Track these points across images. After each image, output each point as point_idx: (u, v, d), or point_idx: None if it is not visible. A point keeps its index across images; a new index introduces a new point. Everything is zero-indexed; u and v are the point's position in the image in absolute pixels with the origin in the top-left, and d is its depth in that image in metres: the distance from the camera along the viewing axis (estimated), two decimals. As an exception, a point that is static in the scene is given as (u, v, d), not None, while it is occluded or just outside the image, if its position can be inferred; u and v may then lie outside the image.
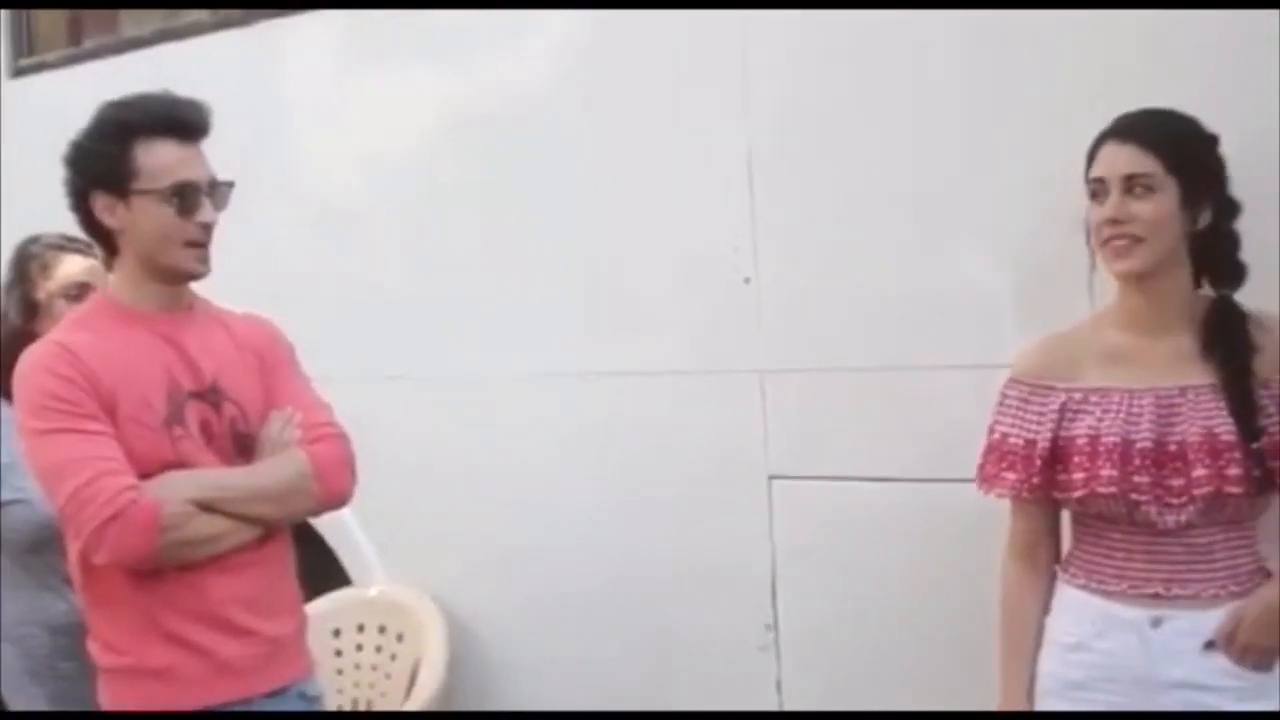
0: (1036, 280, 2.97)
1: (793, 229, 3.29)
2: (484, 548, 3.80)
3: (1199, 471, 2.36)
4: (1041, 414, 2.51)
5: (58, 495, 2.41)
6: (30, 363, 2.49)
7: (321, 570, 3.85)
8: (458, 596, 3.82)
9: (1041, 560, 2.60)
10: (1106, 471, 2.40)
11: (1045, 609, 2.58)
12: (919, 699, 3.12)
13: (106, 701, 2.55)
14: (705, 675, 3.44)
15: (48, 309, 3.10)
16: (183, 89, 2.64)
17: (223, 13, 4.28)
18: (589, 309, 3.61)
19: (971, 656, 2.98)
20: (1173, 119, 2.46)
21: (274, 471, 2.56)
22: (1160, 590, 2.41)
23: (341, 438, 2.66)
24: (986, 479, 2.58)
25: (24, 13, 4.84)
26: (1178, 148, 2.42)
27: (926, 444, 3.12)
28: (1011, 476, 2.53)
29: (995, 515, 2.91)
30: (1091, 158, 2.47)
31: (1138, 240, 2.39)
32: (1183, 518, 2.38)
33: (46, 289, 3.13)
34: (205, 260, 2.55)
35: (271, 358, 2.69)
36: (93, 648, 2.55)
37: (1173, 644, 2.40)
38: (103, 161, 2.51)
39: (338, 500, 2.67)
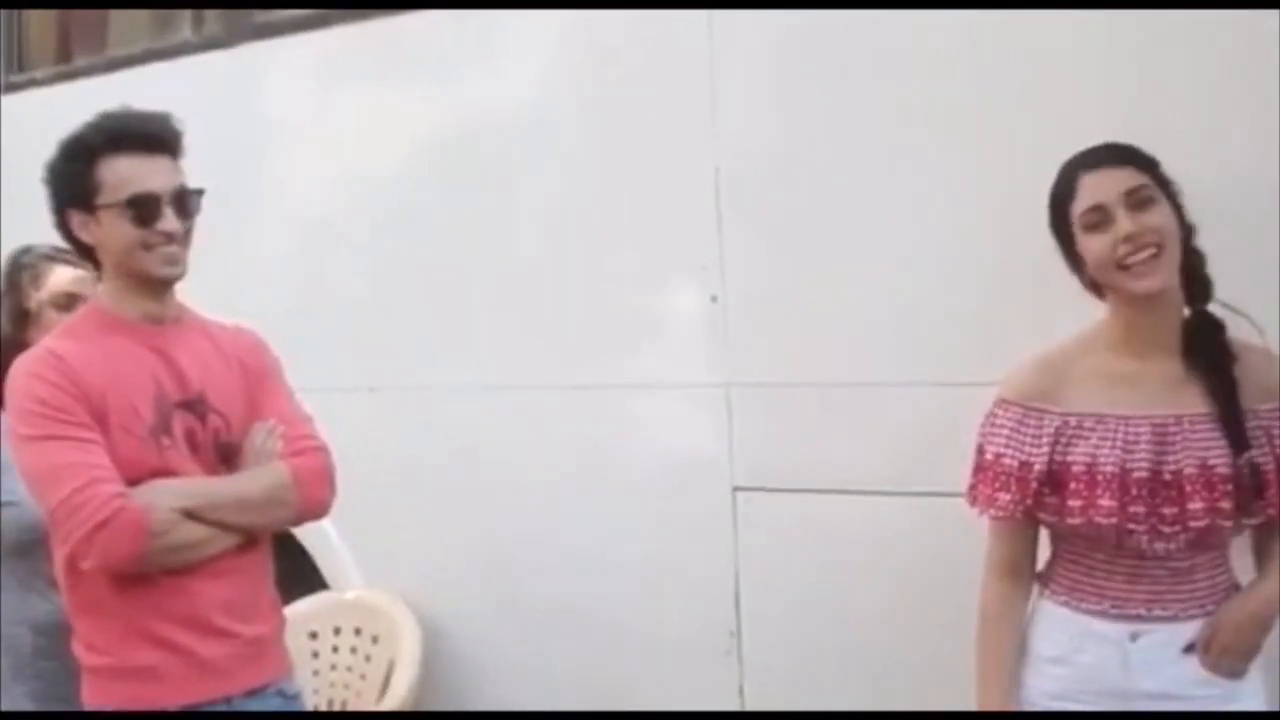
0: (999, 299, 3.02)
1: (758, 248, 3.33)
2: (457, 554, 3.85)
3: (1195, 504, 2.37)
4: (1037, 437, 2.49)
5: (47, 501, 2.46)
6: (21, 370, 2.53)
7: (299, 575, 3.88)
8: (431, 600, 3.85)
9: (1024, 577, 2.60)
10: (1105, 502, 2.40)
11: (1024, 621, 2.59)
12: (878, 705, 3.16)
13: (90, 699, 2.58)
14: (671, 679, 3.48)
15: (38, 318, 3.09)
16: (169, 107, 2.68)
17: (208, 34, 4.34)
18: (561, 324, 3.65)
19: (932, 664, 3.02)
20: (1129, 144, 2.46)
21: (256, 481, 2.61)
22: (1141, 611, 2.44)
23: (322, 450, 2.71)
24: (980, 499, 2.56)
25: (16, 30, 4.88)
26: (1152, 164, 2.43)
27: (886, 458, 3.17)
28: (1005, 498, 2.51)
29: (955, 527, 2.94)
30: (1069, 196, 2.46)
31: (1160, 249, 2.37)
32: (1173, 545, 2.40)
33: (37, 299, 3.13)
34: (174, 263, 2.58)
35: (256, 369, 2.74)
36: (77, 648, 2.59)
37: (1150, 656, 2.43)
38: (70, 180, 2.57)
39: (317, 511, 2.72)
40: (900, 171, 3.14)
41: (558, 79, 3.69)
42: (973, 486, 2.58)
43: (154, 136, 2.60)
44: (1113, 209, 2.39)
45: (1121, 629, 2.45)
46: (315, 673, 3.82)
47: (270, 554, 2.73)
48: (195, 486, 2.55)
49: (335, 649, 3.90)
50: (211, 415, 2.63)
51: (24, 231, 3.28)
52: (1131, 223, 2.37)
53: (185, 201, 2.60)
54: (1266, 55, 2.67)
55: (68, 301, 3.09)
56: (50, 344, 2.58)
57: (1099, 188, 2.42)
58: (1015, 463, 2.50)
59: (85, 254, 2.66)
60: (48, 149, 2.63)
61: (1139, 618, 2.44)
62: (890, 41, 3.13)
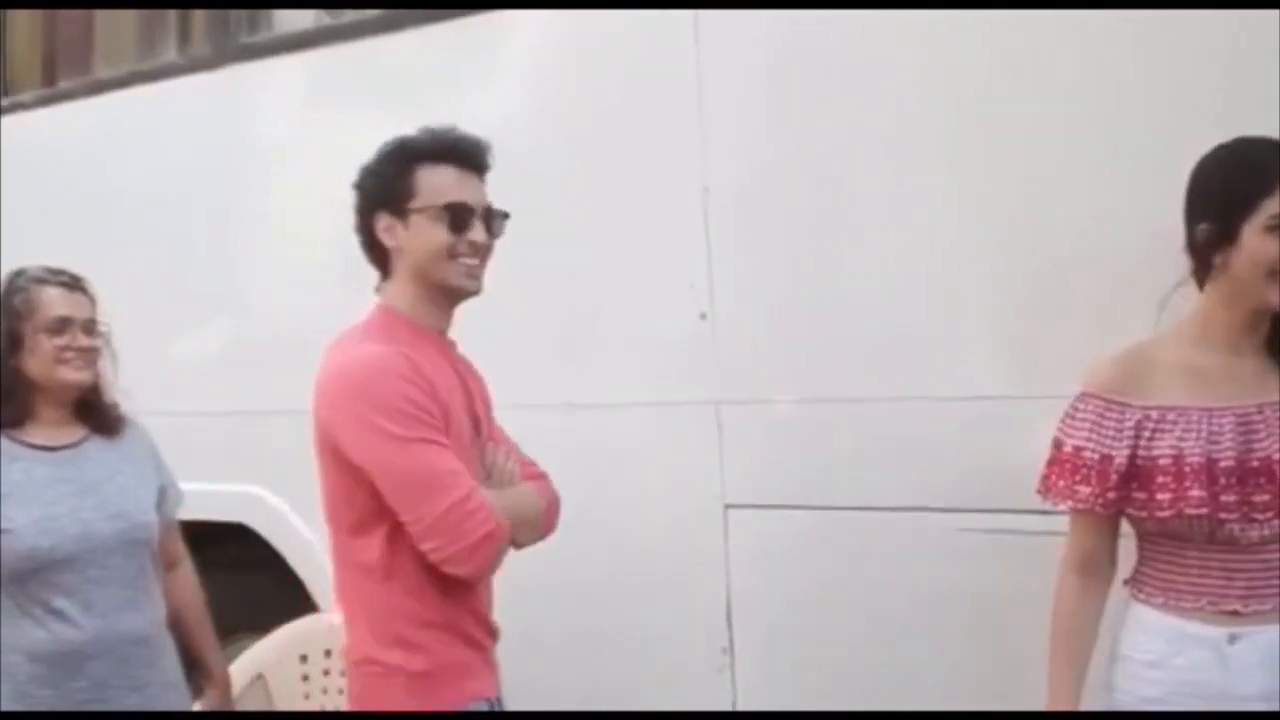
0: (990, 315, 3.05)
1: (747, 265, 3.35)
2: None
3: None
4: (1119, 430, 2.47)
5: (431, 505, 2.45)
6: (381, 368, 2.51)
7: (289, 596, 3.91)
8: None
9: (1101, 573, 2.57)
10: (1195, 493, 2.39)
11: (1100, 619, 2.55)
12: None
13: (406, 704, 2.58)
14: (663, 696, 3.48)
15: (31, 341, 3.07)
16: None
17: (194, 56, 4.32)
18: (551, 343, 3.65)
19: (925, 680, 3.07)
20: None
21: (530, 501, 2.68)
22: (1238, 607, 2.41)
23: (549, 478, 2.78)
24: (1057, 492, 2.54)
25: (0, 54, 4.87)
26: None
27: (878, 474, 3.18)
28: (1085, 490, 2.49)
29: (946, 543, 3.00)
30: (1264, 190, 2.38)
31: None
32: (1266, 532, 2.38)
33: (30, 322, 3.10)
34: (474, 276, 2.64)
35: (479, 392, 2.78)
36: (384, 649, 2.60)
37: (1249, 658, 2.39)
38: (386, 183, 2.63)
39: (547, 536, 2.77)
40: (889, 187, 3.16)
41: (545, 99, 3.70)
42: (1046, 478, 2.56)
43: (473, 155, 2.68)
44: None
45: (1219, 631, 2.41)
46: (306, 696, 3.77)
47: None
48: (503, 500, 2.58)
49: (326, 672, 3.82)
50: (482, 434, 2.69)
51: (12, 254, 3.29)
52: None
53: (492, 220, 2.67)
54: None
55: (60, 325, 3.08)
56: (395, 347, 2.55)
57: None
58: (1096, 456, 2.49)
59: (380, 259, 2.67)
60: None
61: (1235, 614, 2.41)
62: (879, 58, 3.15)
